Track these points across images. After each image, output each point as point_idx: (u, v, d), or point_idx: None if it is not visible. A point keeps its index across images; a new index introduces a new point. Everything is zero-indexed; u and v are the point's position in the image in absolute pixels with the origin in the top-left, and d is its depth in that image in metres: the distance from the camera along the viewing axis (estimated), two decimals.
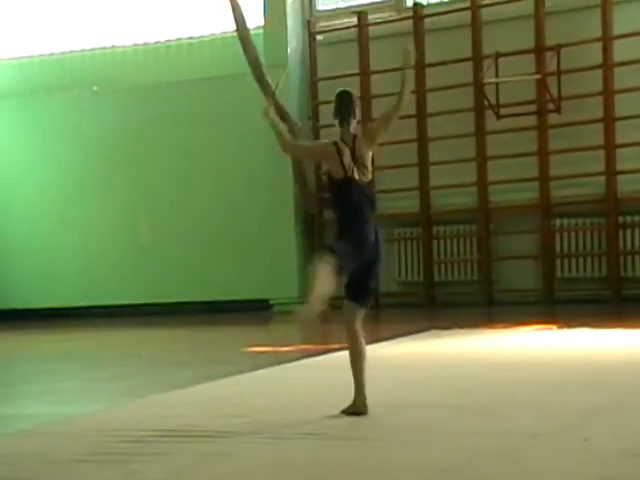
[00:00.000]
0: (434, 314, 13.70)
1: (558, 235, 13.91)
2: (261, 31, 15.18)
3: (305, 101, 15.25)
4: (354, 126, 6.32)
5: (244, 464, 4.93)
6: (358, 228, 6.05)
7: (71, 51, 16.72)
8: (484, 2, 14.19)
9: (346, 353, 6.18)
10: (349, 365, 6.09)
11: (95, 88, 16.32)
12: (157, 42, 16.29)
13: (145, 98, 15.98)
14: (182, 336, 12.77)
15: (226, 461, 4.98)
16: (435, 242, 14.60)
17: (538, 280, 13.94)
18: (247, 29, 14.39)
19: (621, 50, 13.32)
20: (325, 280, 5.83)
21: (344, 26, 15.10)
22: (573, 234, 13.85)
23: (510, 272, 14.13)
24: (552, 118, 13.70)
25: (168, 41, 16.24)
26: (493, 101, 13.74)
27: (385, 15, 14.98)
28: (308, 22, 15.19)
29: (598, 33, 13.38)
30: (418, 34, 14.42)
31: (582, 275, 13.79)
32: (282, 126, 6.45)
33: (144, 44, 16.34)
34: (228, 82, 15.28)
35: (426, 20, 14.48)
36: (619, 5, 13.45)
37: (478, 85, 13.90)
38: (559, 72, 13.51)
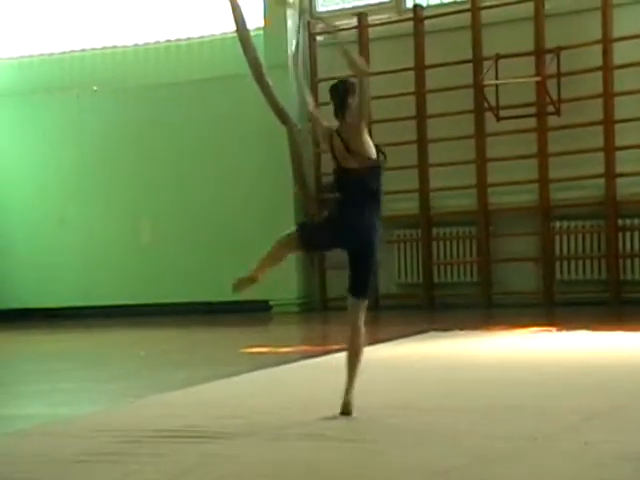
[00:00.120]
0: (433, 316, 13.70)
1: (558, 237, 13.91)
2: (261, 32, 15.18)
3: (305, 103, 15.22)
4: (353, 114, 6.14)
5: (242, 465, 4.94)
6: (341, 211, 6.08)
7: (71, 51, 16.71)
8: (484, 4, 14.20)
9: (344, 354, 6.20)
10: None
11: (95, 88, 16.31)
12: (157, 42, 16.29)
13: (145, 98, 15.98)
14: (181, 337, 12.77)
15: (225, 462, 4.98)
16: (435, 244, 14.61)
17: (537, 282, 13.94)
18: (247, 30, 14.37)
19: (621, 53, 13.33)
20: (276, 252, 6.10)
21: (344, 27, 15.10)
22: (573, 236, 13.86)
23: (510, 274, 14.13)
24: (552, 120, 13.71)
25: (168, 41, 16.24)
26: (493, 103, 13.74)
27: (385, 16, 14.99)
28: (308, 23, 15.19)
29: (598, 35, 13.39)
30: (418, 35, 14.43)
31: (581, 278, 13.80)
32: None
33: (144, 44, 16.34)
34: (228, 83, 15.29)
35: (426, 22, 14.49)
36: (619, 8, 13.46)
37: (478, 87, 13.90)
38: (559, 74, 13.52)
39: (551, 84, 13.56)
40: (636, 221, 13.46)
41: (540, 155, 13.81)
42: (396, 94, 14.18)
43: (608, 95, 13.37)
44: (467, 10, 14.16)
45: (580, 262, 13.84)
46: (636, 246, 13.49)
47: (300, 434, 5.51)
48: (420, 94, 14.33)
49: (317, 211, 14.79)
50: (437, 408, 6.21)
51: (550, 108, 13.63)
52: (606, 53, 13.36)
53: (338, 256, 6.44)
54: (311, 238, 6.16)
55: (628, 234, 13.51)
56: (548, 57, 13.62)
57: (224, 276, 15.15)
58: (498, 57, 13.70)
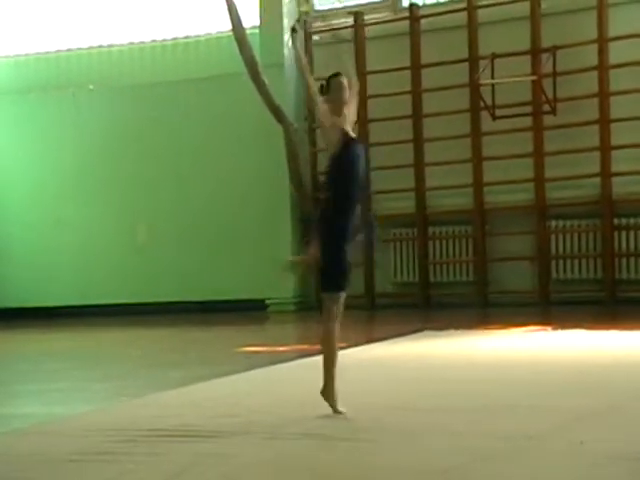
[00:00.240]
0: (429, 315, 13.71)
1: (553, 236, 13.93)
2: (257, 31, 15.18)
3: (301, 102, 15.24)
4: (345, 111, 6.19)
5: (239, 464, 4.93)
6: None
7: (67, 50, 16.71)
8: (480, 3, 14.21)
9: (343, 353, 6.20)
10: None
11: (91, 87, 16.32)
12: (153, 41, 16.29)
13: (141, 97, 15.98)
14: (177, 336, 12.77)
15: (220, 461, 4.97)
16: (431, 243, 14.62)
17: (533, 281, 13.96)
18: (243, 28, 14.37)
19: (617, 52, 13.34)
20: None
21: (340, 26, 15.12)
22: (568, 235, 13.87)
23: (505, 273, 14.15)
24: (548, 119, 13.72)
25: (164, 40, 16.25)
26: (489, 102, 13.75)
27: (381, 15, 14.99)
28: (304, 22, 15.19)
29: (594, 35, 13.40)
30: (414, 35, 14.44)
31: (577, 277, 13.81)
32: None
33: (140, 43, 16.34)
34: (224, 82, 15.29)
35: (422, 21, 14.50)
36: (615, 7, 13.47)
37: (474, 86, 13.91)
38: (555, 73, 13.53)
39: (547, 83, 13.57)
40: (632, 220, 13.48)
41: (536, 154, 13.82)
42: (392, 93, 14.19)
43: (604, 94, 13.38)
44: (463, 9, 14.17)
45: (576, 261, 13.85)
46: (632, 245, 13.50)
47: (297, 433, 5.51)
48: (416, 93, 14.34)
49: (313, 211, 14.81)
50: (434, 407, 6.21)
51: (546, 107, 13.64)
52: (602, 52, 13.37)
53: None
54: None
55: (624, 233, 13.53)
56: (544, 56, 13.63)
57: (221, 275, 15.41)
58: (494, 56, 13.71)
